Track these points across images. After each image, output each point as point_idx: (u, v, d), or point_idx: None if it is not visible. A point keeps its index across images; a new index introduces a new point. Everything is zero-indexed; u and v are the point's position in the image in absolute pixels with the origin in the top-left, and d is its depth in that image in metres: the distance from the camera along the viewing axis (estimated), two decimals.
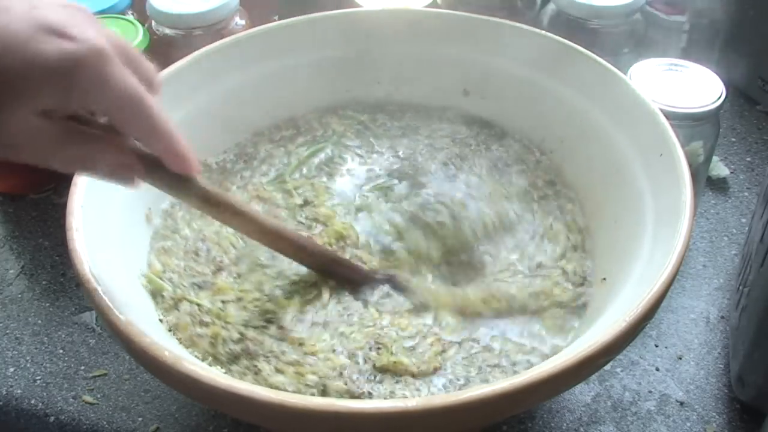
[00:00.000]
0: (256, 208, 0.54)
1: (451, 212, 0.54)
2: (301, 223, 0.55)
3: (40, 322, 0.59)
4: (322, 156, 0.60)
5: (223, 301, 0.49)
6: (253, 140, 0.61)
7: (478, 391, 0.35)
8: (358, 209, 0.56)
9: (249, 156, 0.60)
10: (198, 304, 0.48)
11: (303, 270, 0.50)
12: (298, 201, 0.56)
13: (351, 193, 0.57)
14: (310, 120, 0.63)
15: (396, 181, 0.58)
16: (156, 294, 0.48)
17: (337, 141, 0.61)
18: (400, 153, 0.60)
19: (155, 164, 0.39)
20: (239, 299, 0.49)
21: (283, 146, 0.61)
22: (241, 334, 0.47)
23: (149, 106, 0.36)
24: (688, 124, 0.56)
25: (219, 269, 0.51)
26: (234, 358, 0.46)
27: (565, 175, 0.58)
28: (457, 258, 0.53)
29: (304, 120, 0.63)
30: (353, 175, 0.59)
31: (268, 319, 0.48)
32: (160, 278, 0.49)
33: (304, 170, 0.59)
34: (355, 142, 0.61)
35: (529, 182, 0.57)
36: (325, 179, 0.58)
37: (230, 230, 0.52)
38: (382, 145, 0.61)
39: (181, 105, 0.56)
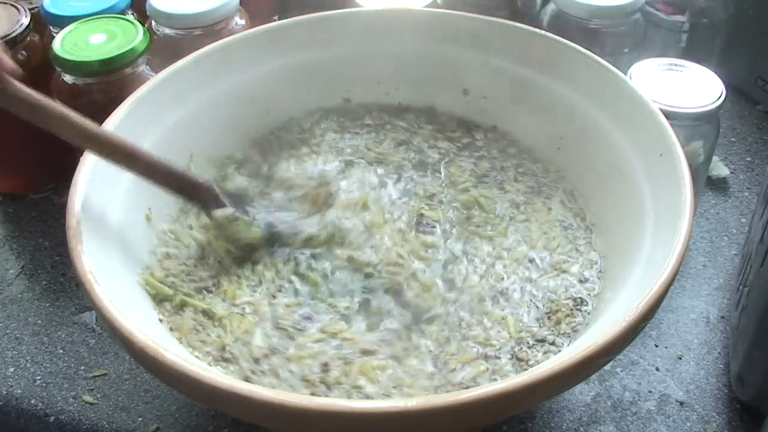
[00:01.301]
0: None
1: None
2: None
3: (40, 322, 0.59)
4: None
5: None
6: (255, 150, 0.60)
7: (478, 391, 0.35)
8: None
9: (256, 165, 0.59)
10: (204, 310, 0.48)
11: None
12: (320, 210, 0.54)
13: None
14: (312, 126, 0.62)
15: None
16: (157, 298, 0.48)
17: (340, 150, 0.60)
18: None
19: None
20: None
21: (289, 155, 0.60)
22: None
23: None
24: (688, 124, 0.56)
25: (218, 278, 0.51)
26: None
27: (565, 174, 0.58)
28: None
29: (304, 125, 0.62)
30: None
31: None
32: (162, 283, 0.49)
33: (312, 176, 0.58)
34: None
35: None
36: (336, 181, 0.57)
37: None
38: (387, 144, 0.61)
39: (181, 105, 0.55)
